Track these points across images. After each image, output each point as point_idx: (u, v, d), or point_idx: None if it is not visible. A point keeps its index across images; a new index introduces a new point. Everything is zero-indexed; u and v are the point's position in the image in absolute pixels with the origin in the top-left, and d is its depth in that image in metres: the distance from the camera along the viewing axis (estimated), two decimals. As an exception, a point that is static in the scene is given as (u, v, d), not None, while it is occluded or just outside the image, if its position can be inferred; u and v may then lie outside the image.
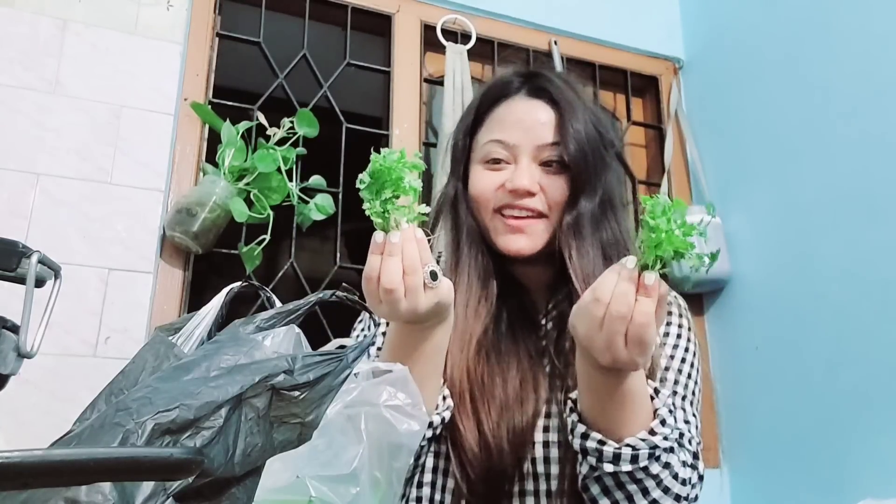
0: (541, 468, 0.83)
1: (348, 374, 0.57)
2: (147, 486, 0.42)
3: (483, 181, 0.91)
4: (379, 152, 0.67)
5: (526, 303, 0.94)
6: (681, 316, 0.94)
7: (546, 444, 0.84)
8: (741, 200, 1.95)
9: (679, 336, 0.92)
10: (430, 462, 0.86)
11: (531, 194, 0.88)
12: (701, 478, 0.80)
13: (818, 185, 1.72)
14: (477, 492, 0.82)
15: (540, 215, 0.89)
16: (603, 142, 0.91)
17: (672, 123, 2.15)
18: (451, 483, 0.85)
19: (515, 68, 0.98)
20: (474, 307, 0.88)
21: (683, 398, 0.87)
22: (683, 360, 0.90)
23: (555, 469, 0.83)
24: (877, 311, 1.52)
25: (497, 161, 0.90)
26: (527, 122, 0.90)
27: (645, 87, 2.26)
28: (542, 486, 0.83)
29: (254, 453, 0.49)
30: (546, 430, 0.85)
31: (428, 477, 0.86)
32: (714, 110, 2.11)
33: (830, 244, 1.66)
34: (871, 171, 1.58)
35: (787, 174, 1.81)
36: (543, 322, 0.93)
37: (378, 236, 0.67)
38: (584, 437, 0.74)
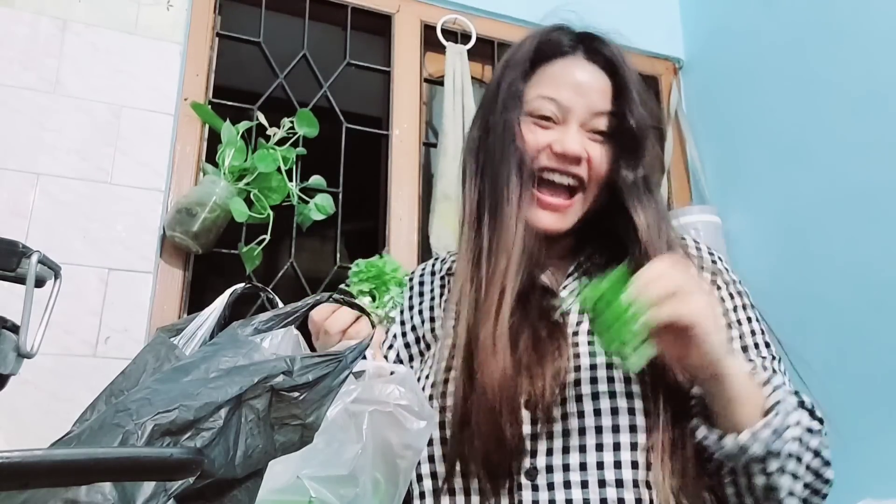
0: (590, 421, 0.79)
1: (348, 375, 0.57)
2: (147, 487, 0.42)
3: (528, 137, 0.87)
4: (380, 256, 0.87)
5: (540, 275, 0.89)
6: (713, 273, 0.91)
7: (595, 396, 0.79)
8: (741, 200, 1.95)
9: (723, 299, 0.89)
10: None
11: (578, 161, 0.86)
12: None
13: (818, 185, 1.71)
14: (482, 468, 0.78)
15: (580, 184, 0.87)
16: (649, 115, 0.89)
17: (672, 123, 2.15)
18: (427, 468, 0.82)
19: (563, 27, 0.95)
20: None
21: (773, 358, 0.88)
22: (740, 322, 0.88)
23: (607, 421, 0.78)
24: (877, 311, 1.52)
25: (546, 118, 0.87)
26: (584, 86, 0.88)
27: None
28: (591, 441, 0.78)
29: (255, 455, 0.49)
30: (591, 381, 0.80)
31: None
32: (714, 110, 2.10)
33: (830, 244, 1.66)
34: (872, 171, 1.58)
35: (787, 174, 1.81)
36: (564, 293, 0.89)
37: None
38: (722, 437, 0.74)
